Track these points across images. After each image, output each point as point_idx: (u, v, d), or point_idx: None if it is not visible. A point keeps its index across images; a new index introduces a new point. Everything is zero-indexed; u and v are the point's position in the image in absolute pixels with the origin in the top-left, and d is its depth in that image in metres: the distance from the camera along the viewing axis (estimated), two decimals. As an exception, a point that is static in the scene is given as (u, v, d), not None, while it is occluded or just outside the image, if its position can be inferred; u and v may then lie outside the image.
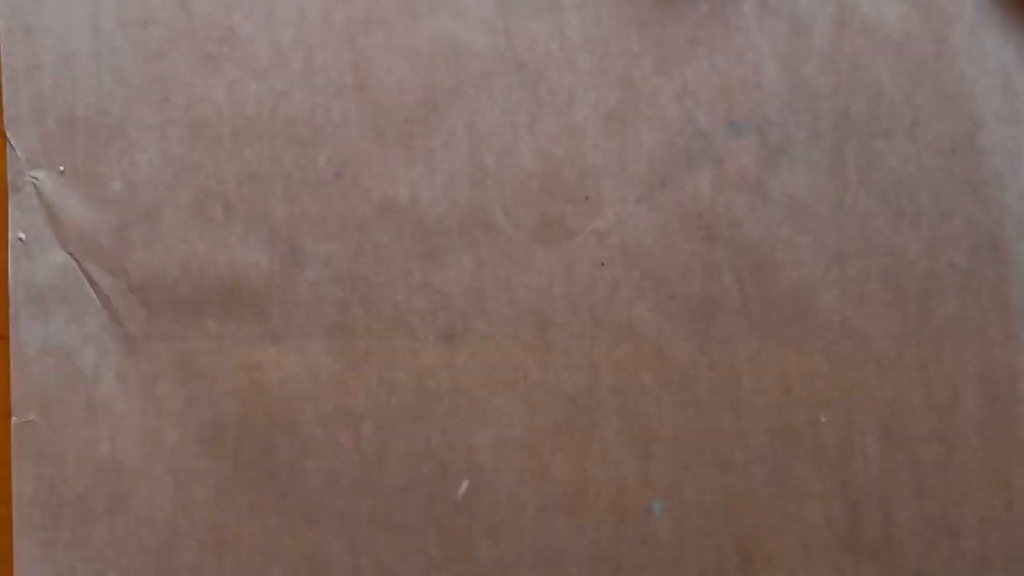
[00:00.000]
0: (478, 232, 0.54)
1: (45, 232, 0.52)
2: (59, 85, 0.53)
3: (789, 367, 0.54)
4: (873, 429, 0.54)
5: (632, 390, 0.54)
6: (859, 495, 0.54)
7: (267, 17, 0.54)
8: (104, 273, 0.52)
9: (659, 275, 0.54)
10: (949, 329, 0.55)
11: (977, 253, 0.55)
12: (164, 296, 0.53)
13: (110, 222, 0.53)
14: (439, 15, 0.54)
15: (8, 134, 0.52)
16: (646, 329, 0.54)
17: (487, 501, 0.53)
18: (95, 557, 0.52)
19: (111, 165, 0.53)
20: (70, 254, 0.52)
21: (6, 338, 0.52)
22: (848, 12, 0.55)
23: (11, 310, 0.52)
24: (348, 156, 0.53)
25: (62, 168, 0.52)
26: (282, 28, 0.54)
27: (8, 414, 0.52)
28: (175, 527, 0.52)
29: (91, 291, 0.52)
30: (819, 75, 0.55)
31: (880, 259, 0.55)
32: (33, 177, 0.52)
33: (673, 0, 0.55)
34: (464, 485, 0.53)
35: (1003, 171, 0.55)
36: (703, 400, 0.54)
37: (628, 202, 0.54)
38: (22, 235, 0.52)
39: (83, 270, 0.52)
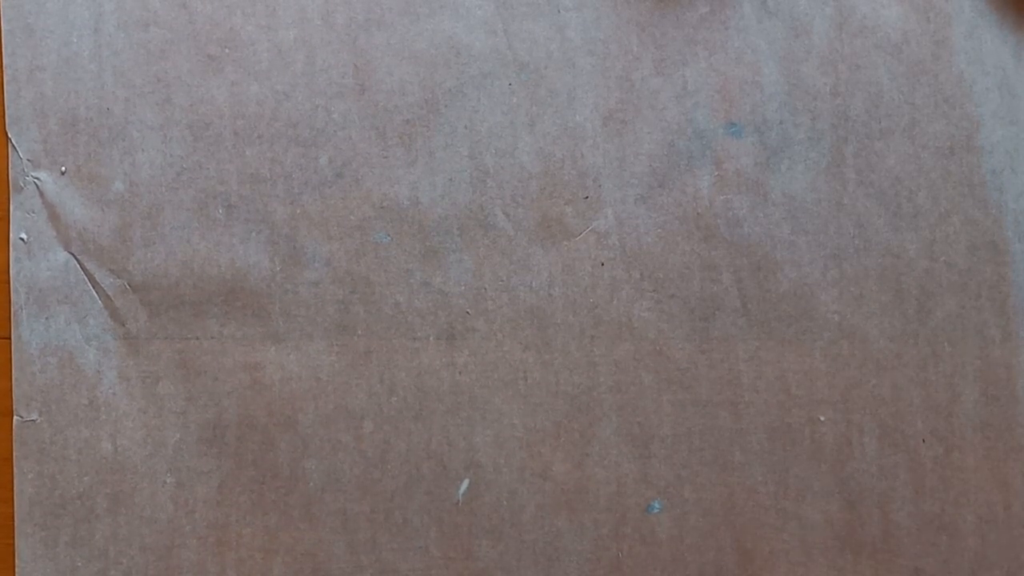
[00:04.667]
0: (478, 232, 0.54)
1: (47, 232, 0.53)
2: (61, 86, 0.53)
3: (788, 366, 0.54)
4: (872, 428, 0.54)
5: (632, 389, 0.54)
6: (858, 494, 0.54)
7: (268, 18, 0.54)
8: (105, 273, 0.53)
9: (659, 275, 0.54)
10: (947, 328, 0.55)
11: (975, 253, 0.55)
12: (165, 296, 0.53)
13: (112, 222, 0.53)
14: (439, 16, 0.54)
15: (10, 134, 0.53)
16: (646, 329, 0.54)
17: (487, 500, 0.53)
18: (96, 555, 0.52)
19: (113, 165, 0.53)
20: (72, 254, 0.53)
21: (8, 338, 0.52)
22: (847, 13, 0.56)
23: (13, 310, 0.52)
24: (349, 157, 0.54)
25: (64, 168, 0.53)
26: (283, 29, 0.54)
27: (10, 413, 0.52)
28: (176, 526, 0.52)
29: (93, 291, 0.53)
30: (818, 76, 0.55)
31: (879, 259, 0.55)
32: (35, 177, 0.53)
33: (673, 1, 0.55)
34: (464, 484, 0.53)
35: (1001, 171, 0.56)
36: (702, 400, 0.54)
37: (628, 202, 0.54)
38: (24, 235, 0.52)
39: (84, 270, 0.53)
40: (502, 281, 0.54)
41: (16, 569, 0.52)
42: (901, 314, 0.55)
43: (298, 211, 0.53)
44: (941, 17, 0.56)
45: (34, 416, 0.52)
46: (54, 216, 0.53)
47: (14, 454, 0.52)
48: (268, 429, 0.53)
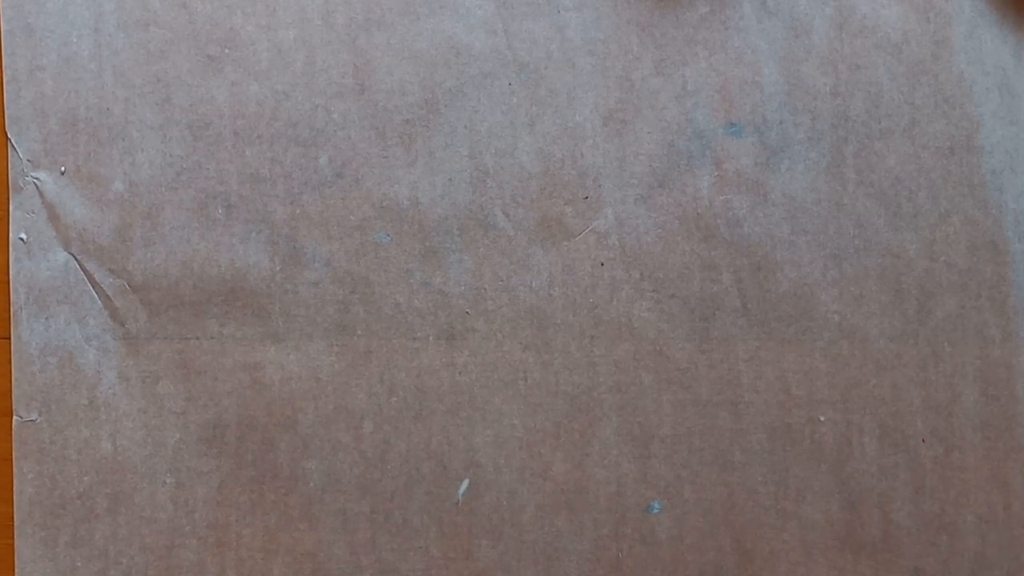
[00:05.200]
0: (478, 232, 0.54)
1: (46, 232, 0.53)
2: (61, 86, 0.53)
3: (788, 367, 0.54)
4: (871, 428, 0.54)
5: (632, 389, 0.54)
6: (858, 494, 0.54)
7: (268, 18, 0.54)
8: (105, 273, 0.53)
9: (659, 275, 0.54)
10: (947, 328, 0.55)
11: (975, 253, 0.55)
12: (165, 296, 0.53)
13: (111, 222, 0.53)
14: (439, 16, 0.54)
15: (10, 134, 0.53)
16: (646, 329, 0.54)
17: (487, 500, 0.53)
18: (96, 555, 0.52)
19: (112, 165, 0.53)
20: (71, 254, 0.53)
21: (8, 338, 0.52)
22: (847, 13, 0.56)
23: (12, 310, 0.52)
24: (349, 157, 0.54)
25: (63, 168, 0.53)
26: (283, 29, 0.54)
27: (10, 413, 0.52)
28: (176, 526, 0.52)
29: (92, 291, 0.53)
30: (818, 76, 0.55)
31: (879, 259, 0.55)
32: (35, 177, 0.53)
33: (673, 1, 0.55)
34: (464, 484, 0.53)
35: (1001, 171, 0.56)
36: (702, 400, 0.54)
37: (628, 202, 0.54)
38: (24, 235, 0.52)
39: (84, 270, 0.53)
40: (502, 281, 0.54)
41: (16, 569, 0.52)
42: (901, 314, 0.55)
43: (298, 211, 0.53)
44: (941, 17, 0.56)
45: (34, 416, 0.52)
46: (54, 216, 0.53)
47: (14, 454, 0.52)
48: (268, 429, 0.53)
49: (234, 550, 0.52)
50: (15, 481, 0.52)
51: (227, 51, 0.54)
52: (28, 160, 0.53)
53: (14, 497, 0.52)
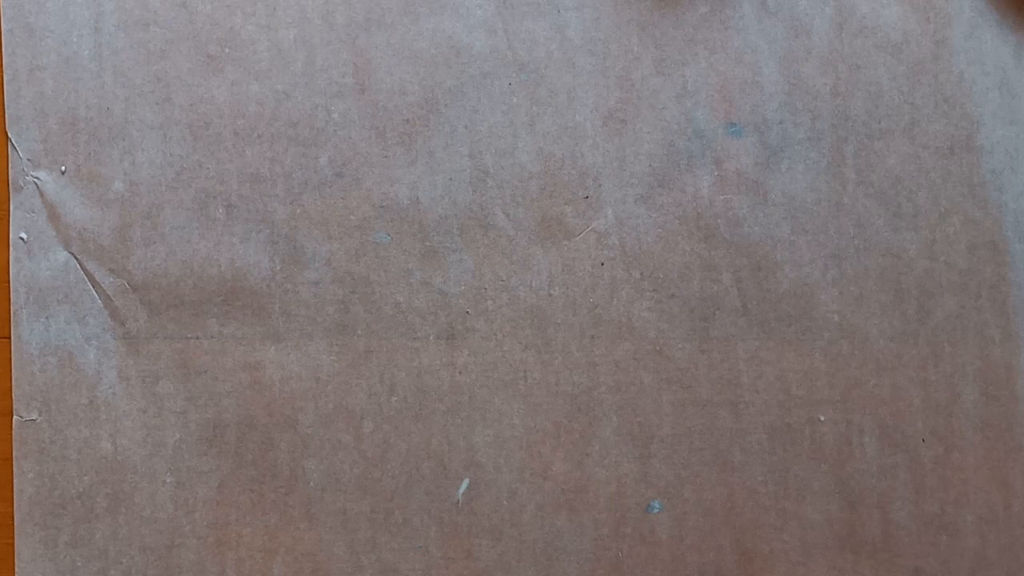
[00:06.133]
0: (478, 232, 0.54)
1: (47, 232, 0.53)
2: (61, 86, 0.53)
3: (788, 366, 0.54)
4: (872, 428, 0.54)
5: (632, 389, 0.54)
6: (858, 494, 0.54)
7: (268, 18, 0.54)
8: (105, 273, 0.53)
9: (659, 275, 0.54)
10: (947, 328, 0.55)
11: (975, 253, 0.55)
12: (165, 295, 0.53)
13: (111, 222, 0.53)
14: (439, 16, 0.54)
15: (10, 134, 0.53)
16: (646, 329, 0.54)
17: (487, 500, 0.53)
18: (96, 555, 0.52)
19: (113, 165, 0.53)
20: (71, 254, 0.53)
21: (8, 337, 0.52)
22: (847, 13, 0.56)
23: (13, 309, 0.52)
24: (349, 156, 0.54)
25: (64, 168, 0.53)
26: (283, 29, 0.54)
27: (10, 413, 0.52)
28: (176, 525, 0.52)
29: (92, 291, 0.53)
30: (818, 76, 0.55)
31: (879, 259, 0.55)
32: (35, 177, 0.53)
33: (673, 1, 0.55)
34: (464, 484, 0.53)
35: (1001, 171, 0.56)
36: (702, 399, 0.54)
37: (628, 202, 0.54)
38: (24, 235, 0.52)
39: (84, 270, 0.53)
40: (502, 281, 0.54)
41: (16, 569, 0.52)
42: (901, 314, 0.55)
43: (298, 211, 0.53)
44: (941, 17, 0.56)
45: (34, 416, 0.52)
46: (54, 216, 0.53)
47: (14, 454, 0.52)
48: (268, 429, 0.53)
49: (234, 550, 0.52)
50: (15, 481, 0.52)
51: (227, 51, 0.54)
52: (28, 160, 0.53)
53: (14, 497, 0.52)
